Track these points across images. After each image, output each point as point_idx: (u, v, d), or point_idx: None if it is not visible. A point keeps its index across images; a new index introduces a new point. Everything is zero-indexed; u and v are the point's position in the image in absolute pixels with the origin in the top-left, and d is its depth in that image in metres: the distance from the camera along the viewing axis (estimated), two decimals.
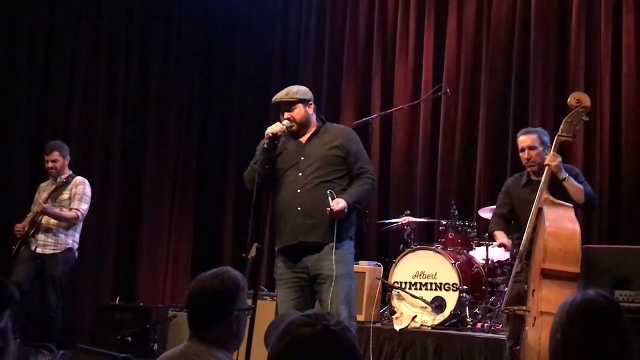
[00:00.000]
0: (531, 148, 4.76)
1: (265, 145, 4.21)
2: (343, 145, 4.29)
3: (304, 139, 4.34)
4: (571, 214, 4.36)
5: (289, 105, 4.29)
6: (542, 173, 4.60)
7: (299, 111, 4.30)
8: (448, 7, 7.39)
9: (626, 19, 6.46)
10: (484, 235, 6.10)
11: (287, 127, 4.27)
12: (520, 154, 4.84)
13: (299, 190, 4.20)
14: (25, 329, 5.84)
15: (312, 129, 4.36)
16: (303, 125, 4.32)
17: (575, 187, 4.58)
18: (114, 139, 7.76)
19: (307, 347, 1.63)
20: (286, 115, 4.29)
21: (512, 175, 5.20)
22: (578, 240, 4.24)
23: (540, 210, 4.38)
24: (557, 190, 4.57)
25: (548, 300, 4.03)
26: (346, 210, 4.10)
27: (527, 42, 6.87)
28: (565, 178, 4.55)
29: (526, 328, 4.25)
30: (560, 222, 4.28)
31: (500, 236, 4.92)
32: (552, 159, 4.52)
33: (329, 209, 4.08)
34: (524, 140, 4.81)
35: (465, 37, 7.28)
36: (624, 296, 4.58)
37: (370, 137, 6.55)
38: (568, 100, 4.63)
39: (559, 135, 4.54)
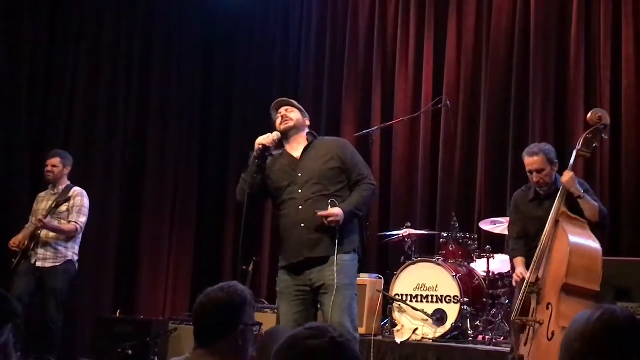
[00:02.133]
0: (540, 171, 4.61)
1: (255, 154, 4.20)
2: (338, 155, 4.27)
3: (297, 155, 4.32)
4: (590, 232, 4.37)
5: (289, 104, 4.39)
6: (552, 189, 4.58)
7: (295, 114, 4.36)
8: (448, 19, 7.41)
9: (625, 30, 6.49)
10: (485, 247, 6.11)
11: (277, 139, 4.26)
12: (529, 175, 4.69)
13: (300, 207, 4.17)
14: (26, 342, 5.83)
15: (304, 144, 4.35)
16: (296, 127, 4.33)
17: (590, 205, 4.46)
18: (115, 151, 7.77)
19: (316, 359, 1.64)
20: (282, 110, 4.34)
21: (520, 189, 5.03)
22: (600, 260, 4.28)
23: (557, 223, 4.35)
24: (571, 204, 4.50)
25: (567, 317, 4.00)
26: (342, 217, 4.08)
27: (527, 53, 6.88)
28: (581, 195, 4.43)
29: (536, 339, 4.24)
30: (584, 240, 4.31)
31: (519, 266, 4.67)
32: (566, 176, 4.42)
33: (320, 213, 4.07)
34: (532, 163, 4.64)
35: (465, 49, 7.31)
36: (627, 308, 4.56)
37: (370, 149, 6.56)
38: (588, 116, 4.55)
39: (578, 150, 4.45)
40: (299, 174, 4.24)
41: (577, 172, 6.26)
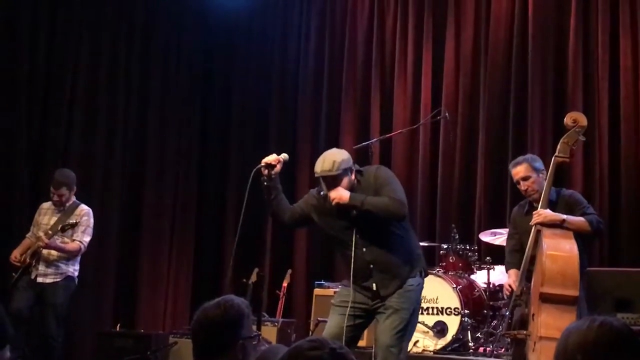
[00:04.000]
0: (525, 179, 4.60)
1: (262, 174, 4.07)
2: (376, 191, 4.02)
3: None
4: (569, 235, 4.27)
5: (334, 179, 3.98)
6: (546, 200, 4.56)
7: (343, 184, 4.00)
8: (446, 31, 7.44)
9: (623, 41, 6.52)
10: (485, 259, 6.11)
11: (284, 160, 4.09)
12: (517, 186, 4.71)
13: (364, 249, 4.01)
14: (26, 357, 5.81)
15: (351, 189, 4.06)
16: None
17: (576, 223, 4.39)
18: (114, 165, 7.75)
19: None
20: (330, 191, 3.99)
21: (518, 204, 4.97)
22: (576, 263, 4.12)
23: (538, 233, 4.32)
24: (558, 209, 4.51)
25: (547, 325, 3.98)
26: (344, 199, 3.90)
27: (525, 65, 6.91)
28: (563, 220, 4.37)
29: (527, 352, 4.22)
30: (558, 245, 4.20)
31: (510, 278, 4.68)
32: (537, 216, 4.39)
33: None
34: (516, 172, 4.66)
35: (463, 60, 7.33)
36: (627, 319, 4.53)
37: (369, 161, 6.55)
38: (564, 120, 4.54)
39: (555, 156, 4.44)
40: (348, 219, 4.02)
41: (576, 182, 6.33)
